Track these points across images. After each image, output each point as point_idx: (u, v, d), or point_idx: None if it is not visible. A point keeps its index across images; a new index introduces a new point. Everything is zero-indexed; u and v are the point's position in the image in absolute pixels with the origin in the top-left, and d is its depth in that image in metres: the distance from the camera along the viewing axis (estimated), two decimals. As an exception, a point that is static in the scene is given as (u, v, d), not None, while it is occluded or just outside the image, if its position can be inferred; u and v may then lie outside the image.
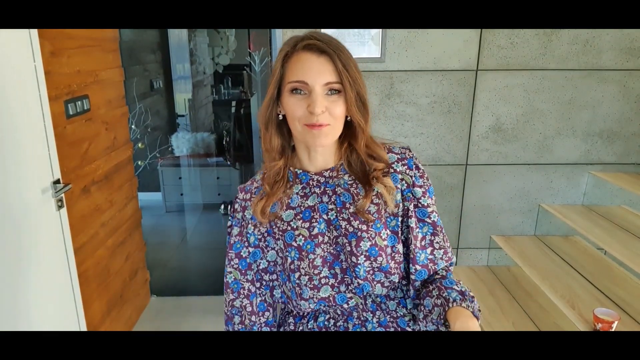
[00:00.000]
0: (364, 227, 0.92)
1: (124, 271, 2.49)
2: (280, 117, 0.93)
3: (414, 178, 0.96)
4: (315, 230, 0.94)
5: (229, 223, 1.04)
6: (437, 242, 0.98)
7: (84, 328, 1.81)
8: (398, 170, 0.96)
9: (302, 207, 0.96)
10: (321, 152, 0.95)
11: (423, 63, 2.24)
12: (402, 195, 0.96)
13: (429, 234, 0.97)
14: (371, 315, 0.97)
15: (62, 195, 1.65)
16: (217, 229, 4.08)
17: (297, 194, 0.97)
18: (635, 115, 2.35)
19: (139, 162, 4.11)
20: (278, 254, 0.98)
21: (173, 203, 4.24)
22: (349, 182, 0.96)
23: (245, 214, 1.00)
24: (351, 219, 0.93)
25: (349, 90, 0.86)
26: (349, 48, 0.89)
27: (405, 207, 0.96)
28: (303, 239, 0.94)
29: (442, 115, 2.32)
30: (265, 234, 0.99)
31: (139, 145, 3.98)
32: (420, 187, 0.97)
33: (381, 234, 0.93)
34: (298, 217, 0.95)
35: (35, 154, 1.54)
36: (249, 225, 0.99)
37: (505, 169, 2.43)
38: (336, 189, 0.96)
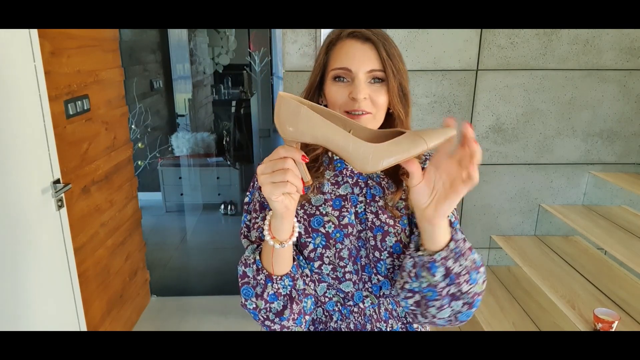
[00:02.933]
0: (391, 222, 0.90)
1: (123, 271, 2.49)
2: (323, 106, 0.90)
3: None
4: (345, 220, 0.91)
5: (248, 199, 0.98)
6: None
7: (83, 328, 1.81)
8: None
9: (333, 195, 0.93)
10: None
11: (423, 63, 2.24)
12: None
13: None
14: (384, 324, 0.94)
15: (62, 195, 1.65)
16: (217, 229, 4.08)
17: (328, 180, 0.95)
18: (636, 115, 2.35)
19: (139, 162, 4.11)
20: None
21: (173, 203, 4.24)
22: (382, 176, 0.94)
23: None
24: (379, 212, 0.91)
25: (392, 80, 0.85)
26: None
27: None
28: (333, 226, 0.90)
29: (442, 115, 2.32)
30: None
31: (139, 145, 3.98)
32: None
33: (406, 231, 0.91)
34: (328, 203, 0.92)
35: (35, 154, 1.54)
36: None
37: (506, 169, 2.43)
38: (368, 181, 0.94)
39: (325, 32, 2.14)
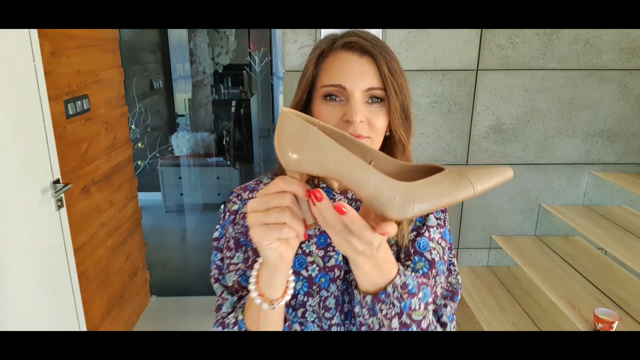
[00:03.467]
0: None
1: (123, 271, 2.49)
2: None
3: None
4: (332, 262, 0.76)
5: (217, 235, 0.85)
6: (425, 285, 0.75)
7: (83, 328, 1.81)
8: None
9: (317, 230, 0.79)
10: None
11: (423, 63, 2.24)
12: (413, 228, 0.80)
13: (421, 271, 0.76)
14: None
15: (62, 195, 1.65)
16: (217, 229, 4.07)
17: None
18: (636, 115, 2.35)
19: (139, 162, 4.11)
20: None
21: (173, 203, 4.24)
22: None
23: None
24: None
25: (393, 100, 0.72)
26: None
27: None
28: (317, 269, 0.75)
29: (442, 115, 2.32)
30: None
31: (139, 145, 3.98)
32: (437, 218, 0.81)
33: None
34: (312, 240, 0.78)
35: (35, 154, 1.54)
36: None
37: (506, 169, 2.42)
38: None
39: (325, 32, 2.14)
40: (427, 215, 0.80)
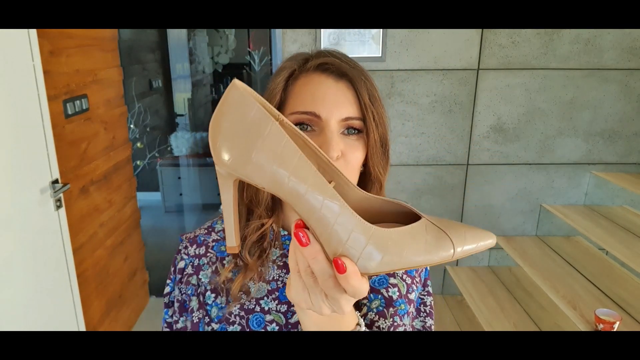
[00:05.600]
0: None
1: (123, 272, 2.48)
2: None
3: None
4: (295, 318, 0.67)
5: (168, 290, 0.74)
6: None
7: (82, 328, 1.80)
8: None
9: (279, 283, 0.69)
10: None
11: (424, 62, 2.23)
12: None
13: (376, 309, 0.67)
14: None
15: (61, 195, 1.64)
16: (216, 228, 4.07)
17: (273, 262, 0.70)
18: (637, 114, 2.34)
19: (138, 162, 4.10)
20: None
21: (172, 203, 4.23)
22: None
23: (200, 276, 0.70)
24: None
25: (373, 132, 0.63)
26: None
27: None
28: (277, 328, 0.66)
29: (443, 114, 2.31)
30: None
31: (138, 145, 3.98)
32: None
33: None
34: (273, 295, 0.68)
35: (34, 154, 1.53)
36: (208, 293, 0.69)
37: (507, 168, 2.42)
38: None
39: (325, 32, 2.13)
40: None
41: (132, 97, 3.71)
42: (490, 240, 0.45)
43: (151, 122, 4.08)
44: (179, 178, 4.19)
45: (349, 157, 0.62)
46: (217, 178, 0.43)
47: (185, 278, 0.72)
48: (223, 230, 0.75)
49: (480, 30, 2.20)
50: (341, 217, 0.40)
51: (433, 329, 0.74)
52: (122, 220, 2.47)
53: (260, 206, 0.68)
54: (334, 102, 0.61)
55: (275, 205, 0.70)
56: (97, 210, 2.18)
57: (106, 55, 2.30)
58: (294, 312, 0.67)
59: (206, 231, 0.77)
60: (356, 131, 0.63)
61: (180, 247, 0.76)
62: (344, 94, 0.62)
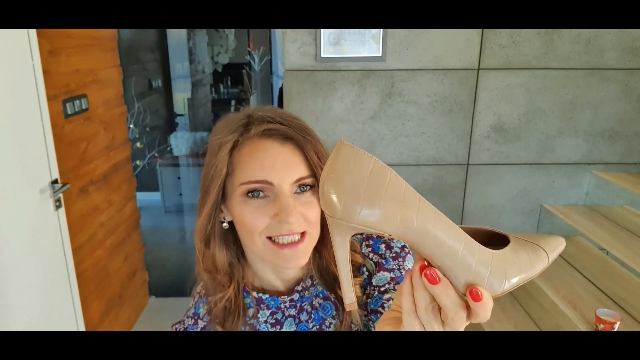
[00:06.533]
0: None
1: (122, 272, 2.47)
2: (226, 225, 0.69)
3: (383, 260, 0.72)
4: None
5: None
6: None
7: (82, 328, 1.80)
8: (363, 254, 0.74)
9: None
10: None
11: (424, 62, 2.23)
12: (364, 292, 0.72)
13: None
14: None
15: (61, 195, 1.63)
16: (216, 228, 4.06)
17: (265, 322, 0.72)
18: (638, 114, 2.34)
19: (138, 162, 4.10)
20: None
21: (172, 203, 4.23)
22: (325, 288, 0.73)
23: None
24: None
25: None
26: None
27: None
28: (275, 332, 0.72)
29: (443, 114, 2.31)
30: None
31: (138, 144, 3.97)
32: (390, 271, 0.71)
33: None
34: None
35: (34, 154, 1.53)
36: None
37: (507, 168, 2.42)
38: (313, 301, 0.72)
39: (325, 32, 2.13)
40: (377, 274, 0.71)
41: (132, 97, 3.71)
42: (563, 245, 0.49)
43: (151, 122, 4.08)
44: (179, 178, 4.19)
45: (307, 215, 0.63)
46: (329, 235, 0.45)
47: None
48: (206, 313, 0.75)
49: (481, 30, 2.19)
50: (465, 247, 0.41)
51: None
52: (121, 220, 2.47)
53: (220, 273, 0.69)
54: (284, 167, 0.62)
55: (234, 270, 0.71)
56: (97, 210, 2.17)
57: (106, 55, 2.30)
58: None
59: (193, 321, 0.76)
60: (308, 187, 0.64)
61: None
62: (292, 156, 0.63)
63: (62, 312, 1.70)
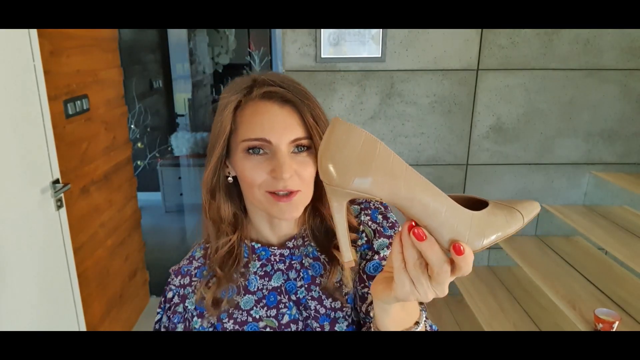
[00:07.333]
0: (338, 305, 0.74)
1: (123, 271, 2.48)
2: (231, 179, 0.75)
3: (381, 228, 0.77)
4: (286, 319, 0.74)
5: (159, 317, 0.81)
6: None
7: (83, 328, 1.81)
8: (361, 221, 0.79)
9: (264, 291, 0.76)
10: (286, 220, 0.77)
11: (423, 62, 2.23)
12: (360, 255, 0.77)
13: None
14: None
15: (62, 195, 1.64)
16: (216, 229, 4.07)
17: (255, 273, 0.78)
18: (637, 115, 2.34)
19: (138, 162, 4.10)
20: None
21: (172, 203, 4.23)
22: (318, 249, 0.78)
23: (186, 304, 0.78)
24: (322, 297, 0.75)
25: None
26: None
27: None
28: (271, 331, 0.74)
29: (442, 115, 2.31)
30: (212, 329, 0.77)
31: (138, 145, 3.98)
32: (388, 237, 0.76)
33: (358, 306, 0.75)
34: (261, 304, 0.76)
35: (35, 154, 1.53)
36: (195, 319, 0.77)
37: (506, 169, 2.42)
38: (303, 260, 0.78)
39: (325, 32, 2.14)
40: (375, 240, 0.76)
41: (133, 98, 3.71)
42: (537, 209, 0.53)
43: (151, 122, 4.08)
44: (179, 178, 4.19)
45: (302, 173, 0.68)
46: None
47: (173, 307, 0.79)
48: (203, 256, 0.82)
49: (480, 30, 2.20)
50: (449, 209, 0.47)
51: None
52: (122, 220, 2.48)
53: (224, 223, 0.77)
54: (282, 127, 0.67)
55: (237, 221, 0.78)
56: (98, 210, 2.18)
57: (107, 56, 2.31)
58: (284, 314, 0.74)
59: (188, 261, 0.83)
60: (305, 148, 0.69)
61: (169, 279, 0.82)
62: (289, 119, 0.68)
63: (62, 312, 1.70)
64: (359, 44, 2.17)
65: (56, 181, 1.62)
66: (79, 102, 1.98)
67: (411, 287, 0.49)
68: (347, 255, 0.52)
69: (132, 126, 3.78)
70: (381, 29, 2.16)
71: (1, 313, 1.40)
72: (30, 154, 1.51)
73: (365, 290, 0.73)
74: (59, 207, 1.63)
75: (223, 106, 0.71)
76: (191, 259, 0.83)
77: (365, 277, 0.74)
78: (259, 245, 0.79)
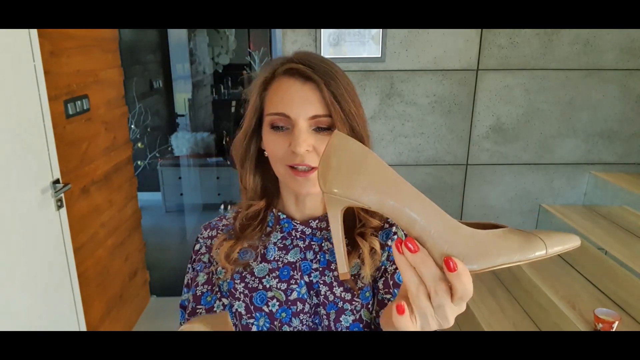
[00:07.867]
0: (348, 297, 0.73)
1: (123, 271, 2.48)
2: (266, 154, 0.76)
3: None
4: (294, 295, 0.75)
5: (189, 269, 0.84)
6: None
7: (83, 328, 1.81)
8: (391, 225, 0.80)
9: (279, 263, 0.77)
10: (310, 199, 0.78)
11: (423, 63, 2.23)
12: (388, 255, 0.77)
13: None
14: None
15: (62, 195, 1.64)
16: (216, 229, 4.07)
17: (274, 244, 0.79)
18: (636, 115, 2.34)
19: (139, 162, 4.11)
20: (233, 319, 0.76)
21: (173, 203, 4.24)
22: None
23: (213, 254, 0.81)
24: (334, 284, 0.74)
25: (340, 127, 0.69)
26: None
27: (384, 268, 0.76)
28: (277, 304, 0.74)
29: (442, 115, 2.31)
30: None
31: (139, 145, 3.98)
32: None
33: (370, 306, 0.74)
34: (273, 274, 0.76)
35: (35, 154, 1.54)
36: (219, 268, 0.79)
37: (506, 169, 2.42)
38: (322, 244, 0.78)
39: (325, 33, 2.14)
40: None
41: (133, 98, 3.72)
42: (576, 243, 0.48)
43: (152, 123, 4.09)
44: (180, 178, 4.20)
45: (320, 150, 0.69)
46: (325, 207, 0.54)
47: (198, 257, 0.82)
48: (233, 217, 0.83)
49: (480, 30, 2.20)
50: (442, 223, 0.45)
51: None
52: (122, 220, 2.48)
53: (251, 192, 0.79)
54: (301, 103, 0.69)
55: (266, 191, 0.81)
56: (98, 211, 2.18)
57: (107, 56, 2.31)
58: (293, 290, 0.75)
59: (219, 219, 0.86)
60: (325, 129, 0.70)
61: (199, 234, 0.85)
62: (309, 96, 0.69)
63: (63, 312, 1.70)
64: (359, 44, 2.17)
65: (56, 181, 1.63)
66: (79, 102, 1.98)
67: (411, 316, 0.48)
68: (342, 267, 0.51)
69: (133, 126, 3.78)
70: (381, 29, 2.16)
71: (1, 313, 1.40)
72: (31, 154, 1.52)
73: (387, 297, 0.73)
74: (59, 207, 1.64)
75: (254, 83, 0.74)
76: (222, 217, 0.87)
77: (392, 283, 0.73)
78: (285, 216, 0.81)
